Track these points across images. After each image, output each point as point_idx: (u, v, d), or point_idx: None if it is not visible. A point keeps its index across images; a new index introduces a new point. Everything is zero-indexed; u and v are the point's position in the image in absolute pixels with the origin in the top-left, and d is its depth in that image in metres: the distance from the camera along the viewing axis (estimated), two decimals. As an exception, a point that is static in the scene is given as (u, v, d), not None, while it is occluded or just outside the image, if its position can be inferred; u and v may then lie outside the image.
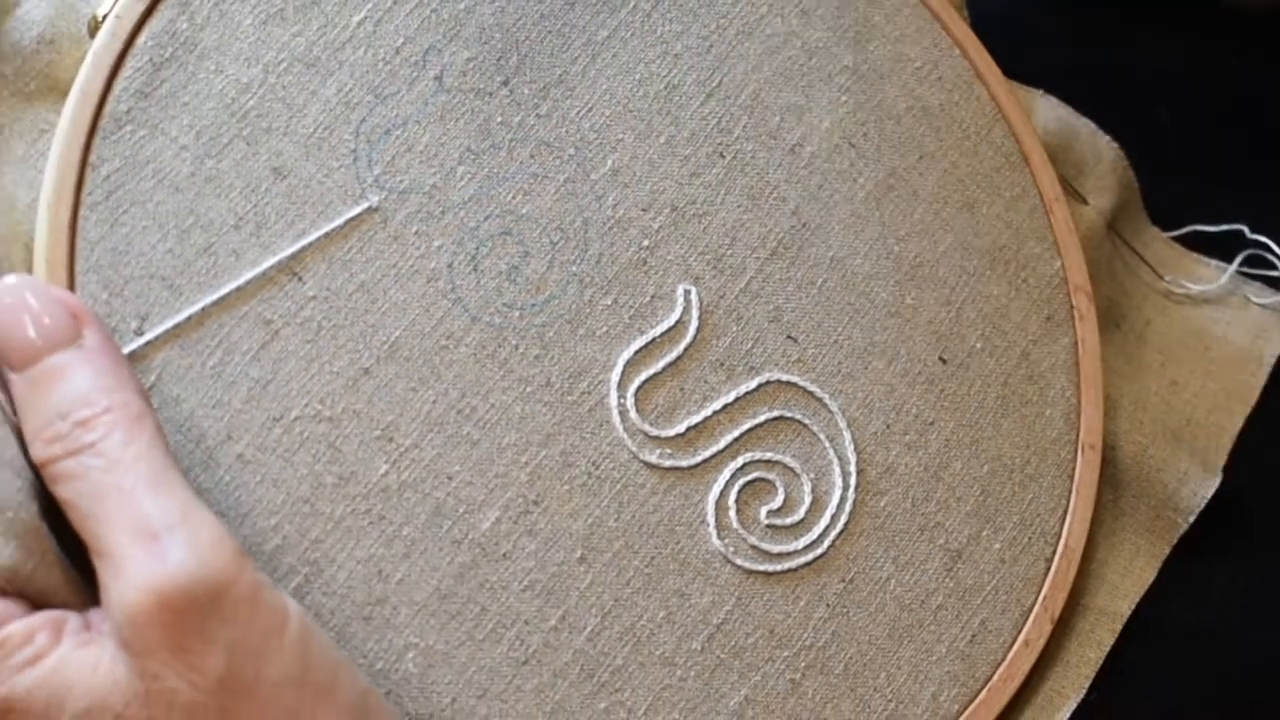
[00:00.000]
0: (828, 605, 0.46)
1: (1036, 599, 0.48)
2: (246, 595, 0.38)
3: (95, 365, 0.40)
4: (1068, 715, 0.48)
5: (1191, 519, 0.50)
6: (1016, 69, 0.53)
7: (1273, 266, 0.55)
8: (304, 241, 0.43)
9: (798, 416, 0.46)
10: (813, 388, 0.47)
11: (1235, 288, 0.55)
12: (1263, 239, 0.55)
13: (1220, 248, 0.56)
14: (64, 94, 0.43)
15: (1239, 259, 0.55)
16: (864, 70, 0.50)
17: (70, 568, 0.40)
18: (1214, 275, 0.55)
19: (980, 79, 0.51)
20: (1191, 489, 0.50)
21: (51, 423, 0.39)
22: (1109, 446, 0.50)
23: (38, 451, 0.39)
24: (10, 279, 0.40)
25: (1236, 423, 0.53)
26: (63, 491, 0.39)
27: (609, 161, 0.46)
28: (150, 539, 0.37)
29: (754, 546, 0.45)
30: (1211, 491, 0.50)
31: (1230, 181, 0.57)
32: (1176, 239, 0.56)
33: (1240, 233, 0.55)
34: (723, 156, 0.48)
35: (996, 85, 0.52)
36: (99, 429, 0.39)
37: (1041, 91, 0.55)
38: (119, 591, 0.37)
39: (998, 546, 0.48)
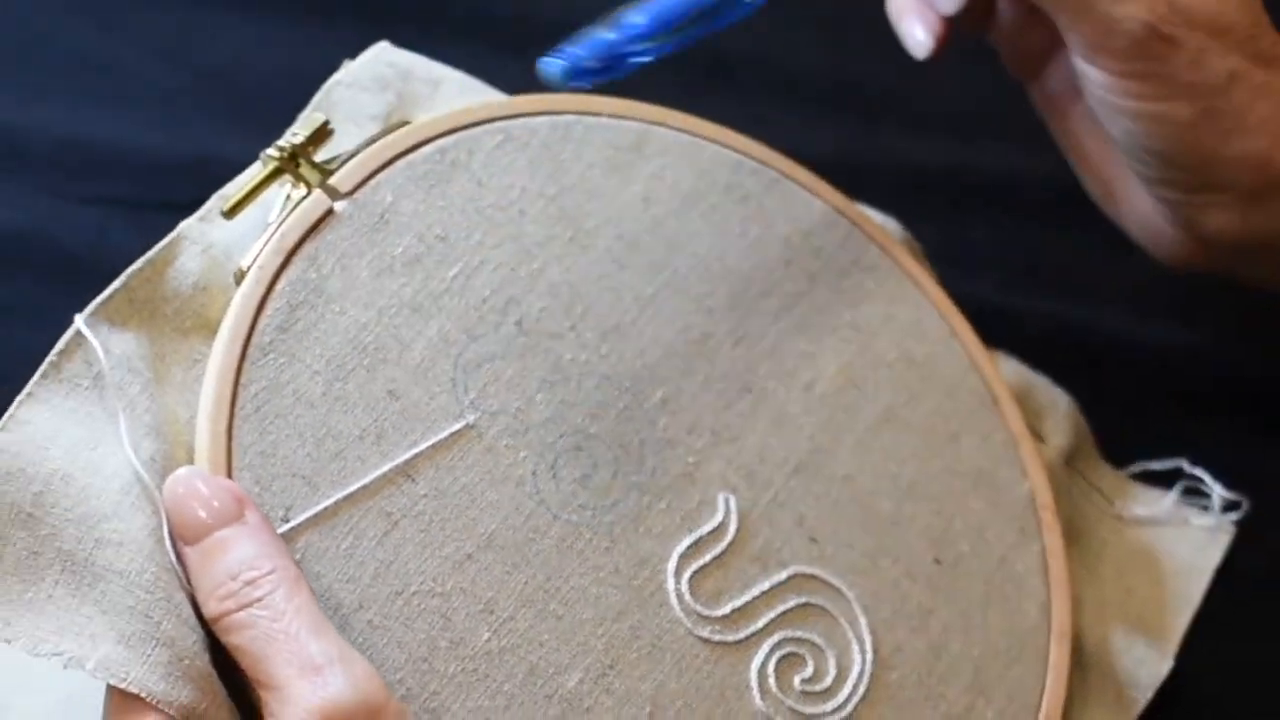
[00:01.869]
0: None
1: (1023, 760, 0.56)
2: (395, 715, 0.45)
3: (257, 538, 0.48)
4: None
5: (1150, 694, 0.58)
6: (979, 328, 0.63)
7: (1207, 494, 0.65)
8: (415, 450, 0.52)
9: (821, 603, 0.55)
10: (833, 580, 0.55)
11: (1177, 511, 0.64)
12: (1198, 472, 0.64)
13: (1163, 478, 0.65)
14: (214, 330, 0.52)
15: (1178, 487, 0.64)
16: (861, 325, 0.60)
17: (234, 710, 0.47)
18: (1158, 501, 0.64)
19: (955, 335, 0.61)
20: (1149, 670, 0.59)
21: (223, 583, 0.47)
22: (1077, 636, 0.58)
23: (211, 608, 0.47)
24: (183, 470, 0.49)
25: (1184, 620, 0.61)
26: (235, 639, 0.46)
27: (659, 393, 0.56)
28: (314, 672, 0.45)
29: (791, 709, 0.53)
30: (1166, 672, 0.59)
31: (1171, 422, 0.66)
32: (1126, 471, 0.65)
33: (1180, 468, 0.65)
34: (749, 391, 0.57)
35: (969, 341, 0.62)
36: (265, 586, 0.47)
37: (1003, 353, 0.65)
38: (289, 716, 0.45)
39: (990, 715, 0.56)
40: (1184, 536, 0.63)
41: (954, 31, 0.61)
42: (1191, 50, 0.55)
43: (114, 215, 0.65)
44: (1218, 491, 0.64)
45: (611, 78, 0.54)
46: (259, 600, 0.46)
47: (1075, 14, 0.55)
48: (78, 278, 0.53)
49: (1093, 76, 0.56)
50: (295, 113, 0.57)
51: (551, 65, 0.52)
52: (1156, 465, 0.65)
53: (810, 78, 0.77)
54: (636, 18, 0.54)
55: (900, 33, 0.61)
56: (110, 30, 0.74)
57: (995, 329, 0.63)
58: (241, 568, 0.47)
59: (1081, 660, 0.59)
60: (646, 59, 0.54)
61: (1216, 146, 0.56)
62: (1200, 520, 0.64)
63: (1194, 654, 0.60)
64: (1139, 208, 0.62)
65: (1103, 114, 0.57)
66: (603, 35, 0.53)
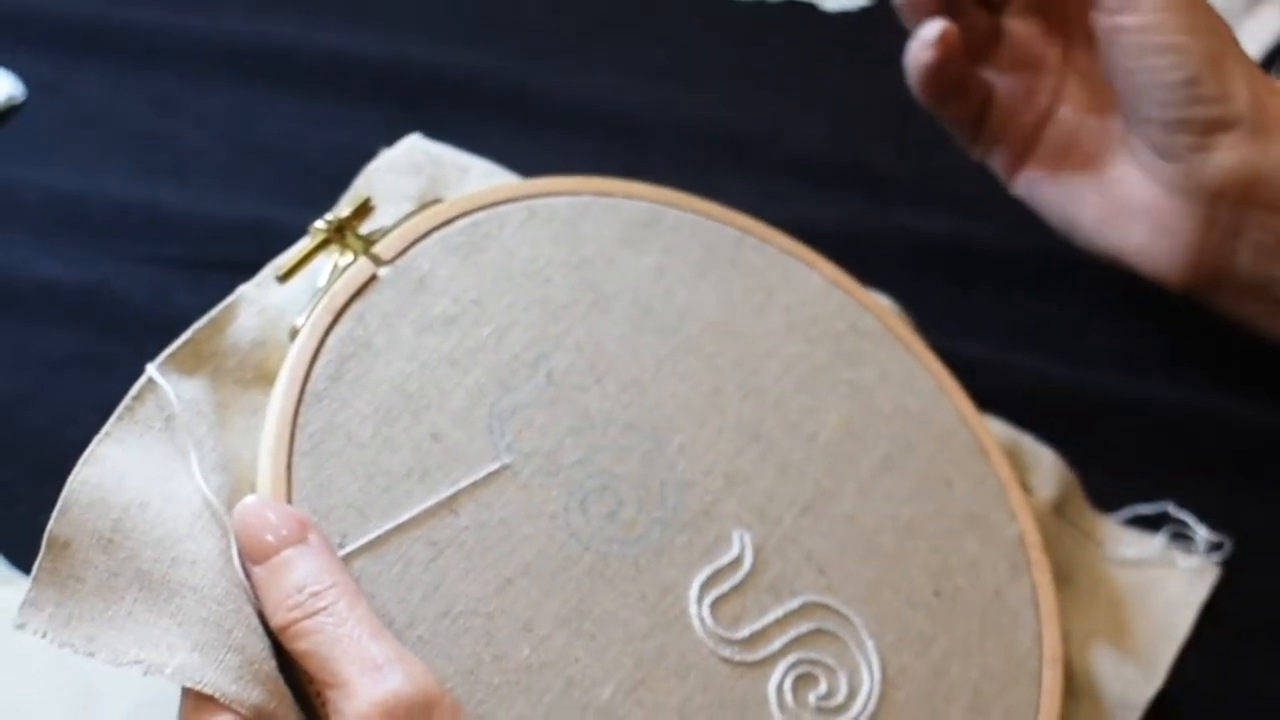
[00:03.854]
0: None
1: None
2: (450, 709, 0.50)
3: (320, 557, 0.52)
4: None
5: (1139, 714, 0.63)
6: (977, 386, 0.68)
7: (1193, 537, 0.69)
8: (457, 487, 0.56)
9: (831, 628, 0.59)
10: (841, 607, 0.60)
11: (1165, 553, 0.69)
12: (1184, 516, 0.69)
13: (1150, 523, 0.69)
14: (272, 382, 0.57)
15: (1166, 531, 0.69)
16: (859, 382, 0.65)
17: (300, 712, 0.51)
18: (1147, 543, 0.69)
19: (945, 393, 0.67)
20: (1137, 691, 0.63)
21: (290, 595, 0.51)
22: (1068, 662, 0.63)
23: (279, 618, 0.51)
24: (251, 498, 0.53)
25: (1172, 650, 0.65)
26: (302, 645, 0.50)
27: (676, 440, 0.61)
28: (375, 669, 0.49)
29: (809, 722, 0.57)
30: (1153, 692, 0.63)
31: (1157, 473, 0.71)
32: (1115, 517, 0.69)
33: (1166, 512, 0.69)
34: (758, 440, 0.62)
35: (958, 398, 0.67)
36: (329, 597, 0.51)
37: (991, 414, 0.70)
38: (354, 709, 0.49)
39: None
40: (1171, 576, 0.68)
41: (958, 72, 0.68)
42: None
43: (173, 273, 0.70)
44: (1202, 534, 0.68)
45: None
46: (324, 609, 0.50)
47: None
48: (140, 331, 0.58)
49: (1131, 23, 0.65)
50: (335, 183, 0.63)
51: None
52: (1144, 510, 0.69)
53: (820, 158, 0.83)
54: None
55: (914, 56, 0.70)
56: (163, 109, 0.80)
57: (992, 386, 0.68)
58: (307, 581, 0.51)
59: (1073, 686, 0.63)
60: None
61: (1231, 82, 0.65)
62: (1186, 561, 0.69)
63: (1180, 685, 0.65)
64: (1145, 204, 0.69)
65: (1136, 64, 0.65)
66: None
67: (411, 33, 0.88)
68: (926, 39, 0.69)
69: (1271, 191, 0.66)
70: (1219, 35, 0.65)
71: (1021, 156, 0.72)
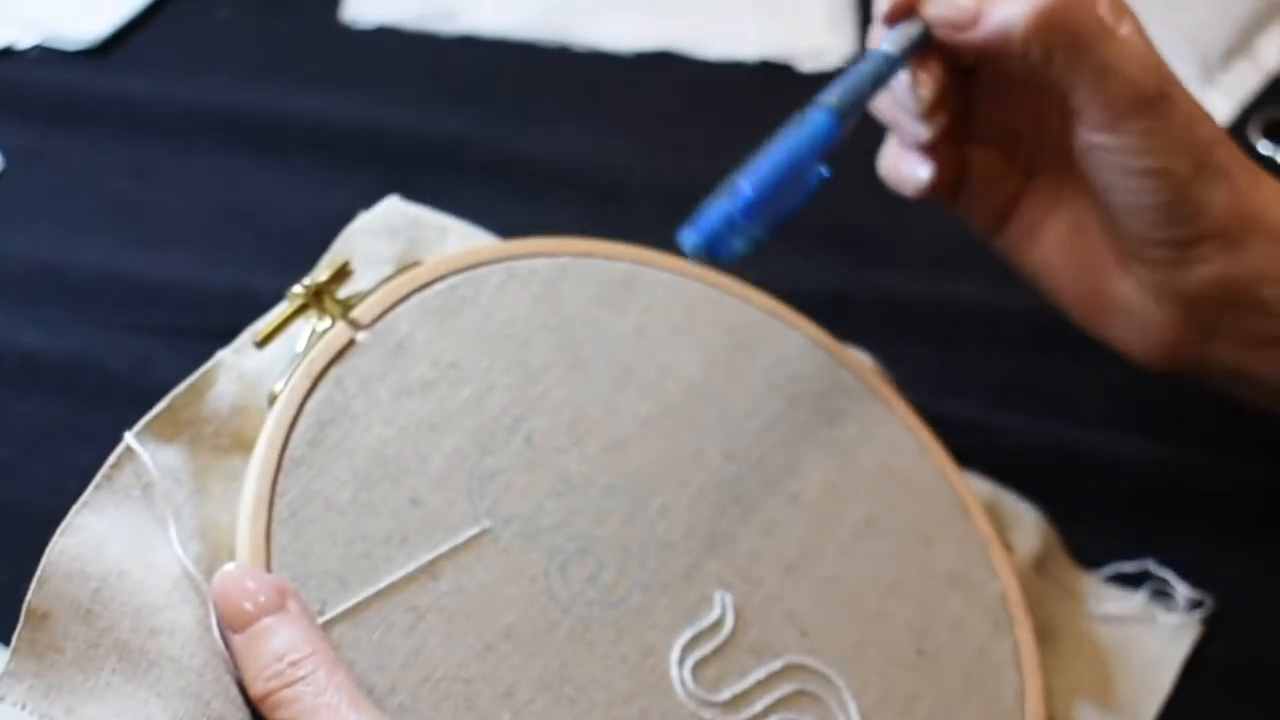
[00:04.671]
0: None
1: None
2: None
3: (299, 625, 0.52)
4: None
5: None
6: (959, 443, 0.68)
7: (1173, 595, 0.69)
8: (437, 552, 0.56)
9: (814, 689, 0.59)
10: (823, 668, 0.59)
11: (1146, 610, 0.69)
12: (1164, 574, 0.69)
13: (1131, 580, 0.69)
14: (250, 448, 0.57)
15: (1147, 588, 0.69)
16: (842, 441, 0.65)
17: None
18: (1128, 600, 0.68)
19: (926, 451, 0.67)
20: (1123, 745, 0.64)
21: (269, 665, 0.51)
22: (1050, 719, 0.63)
23: (258, 688, 0.51)
24: (230, 566, 0.53)
25: (1155, 706, 0.65)
26: (282, 715, 0.50)
27: (657, 501, 0.60)
28: (355, 741, 0.49)
29: (791, 786, 0.57)
30: (1138, 746, 0.63)
31: (1138, 529, 0.71)
32: (1097, 574, 0.69)
33: (1147, 570, 0.69)
34: (740, 501, 0.62)
35: (939, 456, 0.67)
36: (308, 666, 0.51)
37: (972, 472, 0.70)
38: None
39: None
40: (1153, 633, 0.68)
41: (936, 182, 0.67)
42: (1184, 108, 0.63)
43: (154, 342, 0.70)
44: (1182, 591, 0.68)
45: (734, 253, 0.58)
46: (303, 678, 0.50)
47: (1099, 78, 0.62)
48: (122, 399, 0.58)
49: (1107, 144, 0.63)
50: (317, 249, 0.63)
51: (688, 238, 0.57)
52: (1126, 567, 0.69)
53: (799, 217, 0.83)
54: (742, 184, 0.58)
55: (900, 178, 0.68)
56: (144, 176, 0.81)
57: (974, 443, 0.69)
58: (286, 650, 0.51)
59: (1058, 742, 0.63)
60: (757, 234, 0.58)
61: (1208, 197, 0.63)
62: (1167, 618, 0.69)
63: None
64: (1123, 300, 0.68)
65: (1114, 183, 0.64)
66: (720, 205, 0.57)
67: (393, 98, 0.88)
68: (915, 183, 0.68)
69: (1248, 294, 0.65)
70: (1200, 144, 0.64)
71: (998, 222, 0.71)
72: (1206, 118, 0.65)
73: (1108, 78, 0.62)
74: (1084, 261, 0.69)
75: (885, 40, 0.64)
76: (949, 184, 0.69)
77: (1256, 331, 0.67)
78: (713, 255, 0.57)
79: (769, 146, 0.59)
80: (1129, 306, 0.68)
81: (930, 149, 0.67)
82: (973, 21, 0.63)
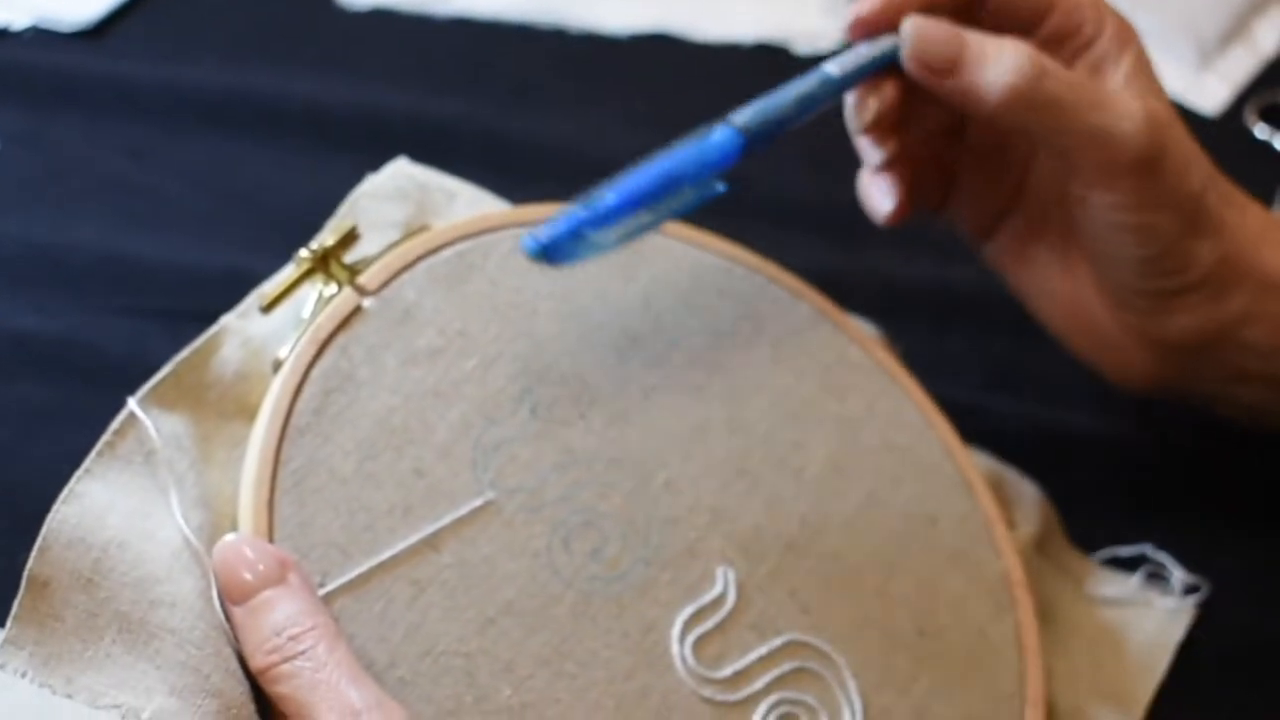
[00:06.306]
0: None
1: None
2: None
3: (299, 597, 0.52)
4: None
5: None
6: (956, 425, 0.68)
7: (1169, 578, 0.69)
8: (439, 524, 0.56)
9: (814, 667, 0.59)
10: (824, 646, 0.59)
11: (1142, 593, 0.68)
12: (1161, 557, 0.69)
13: (1128, 563, 0.69)
14: (254, 415, 0.56)
15: (1143, 571, 0.68)
16: (846, 416, 0.65)
17: None
18: (1124, 583, 0.68)
19: (931, 426, 0.66)
20: (1118, 727, 0.64)
21: (269, 638, 0.51)
22: (1050, 703, 0.62)
23: (258, 661, 0.51)
24: (231, 536, 0.53)
25: (1149, 690, 0.65)
26: (280, 689, 0.50)
27: (661, 476, 0.60)
28: (354, 716, 0.49)
29: (789, 764, 0.57)
30: (1134, 727, 0.64)
31: (1135, 512, 0.71)
32: (1094, 557, 0.69)
33: (1144, 554, 0.69)
34: (744, 475, 0.62)
35: (944, 431, 0.66)
36: (308, 640, 0.51)
37: (975, 448, 0.69)
38: None
39: None
40: (1148, 616, 0.68)
41: (914, 202, 0.66)
42: (1178, 157, 0.61)
43: (150, 324, 0.69)
44: (1178, 575, 0.68)
45: (580, 258, 0.58)
46: (302, 653, 0.50)
47: (1084, 146, 0.61)
48: (118, 381, 0.57)
49: (1097, 200, 0.62)
50: (311, 230, 0.61)
51: (528, 244, 0.57)
52: (1122, 551, 0.69)
53: (796, 200, 0.83)
54: (609, 195, 0.57)
55: (869, 206, 0.67)
56: (140, 159, 0.80)
57: (971, 426, 0.68)
58: (286, 624, 0.51)
59: (1056, 723, 0.63)
60: (611, 243, 0.58)
61: (1197, 250, 0.63)
62: (1163, 602, 0.68)
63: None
64: (1103, 331, 0.67)
65: (1101, 234, 0.63)
66: (576, 213, 0.57)
67: (389, 80, 0.89)
68: (878, 213, 0.67)
69: (1231, 337, 0.65)
70: (1191, 197, 0.62)
71: (984, 235, 0.70)
72: (1198, 159, 0.63)
73: (1094, 145, 0.61)
74: (1068, 290, 0.68)
75: (833, 60, 0.62)
76: (937, 200, 0.69)
77: (1237, 368, 0.66)
78: (550, 260, 0.57)
79: (657, 158, 0.59)
80: (1108, 339, 0.67)
81: (897, 171, 0.66)
82: (949, 71, 0.61)
